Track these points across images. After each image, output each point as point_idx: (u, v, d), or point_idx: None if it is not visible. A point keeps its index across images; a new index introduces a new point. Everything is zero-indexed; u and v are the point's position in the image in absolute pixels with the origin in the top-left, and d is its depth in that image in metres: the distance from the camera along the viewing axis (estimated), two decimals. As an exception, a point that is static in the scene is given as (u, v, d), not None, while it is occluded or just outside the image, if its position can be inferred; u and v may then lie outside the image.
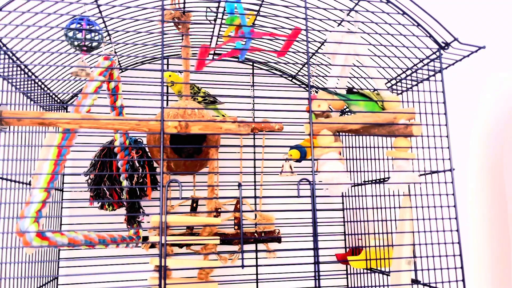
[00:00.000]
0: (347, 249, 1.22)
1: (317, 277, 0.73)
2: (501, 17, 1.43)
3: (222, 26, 1.04)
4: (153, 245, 1.09)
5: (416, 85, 0.97)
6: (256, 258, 1.18)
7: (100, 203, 1.04)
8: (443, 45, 0.87)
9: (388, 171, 0.99)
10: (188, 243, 1.06)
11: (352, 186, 1.20)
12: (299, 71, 1.26)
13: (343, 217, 1.25)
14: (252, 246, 1.18)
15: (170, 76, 1.14)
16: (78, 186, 1.11)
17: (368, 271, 1.13)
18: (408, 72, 0.97)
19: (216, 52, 1.21)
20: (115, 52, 1.11)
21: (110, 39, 1.05)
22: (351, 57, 0.89)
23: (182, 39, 1.03)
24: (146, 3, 0.93)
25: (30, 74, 0.93)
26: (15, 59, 0.85)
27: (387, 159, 0.92)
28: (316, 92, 1.30)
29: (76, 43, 0.80)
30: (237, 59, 1.26)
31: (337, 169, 0.82)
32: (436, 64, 0.90)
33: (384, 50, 0.97)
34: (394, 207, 0.94)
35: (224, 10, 0.95)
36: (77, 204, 1.08)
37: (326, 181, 0.82)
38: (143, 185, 1.01)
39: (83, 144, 1.11)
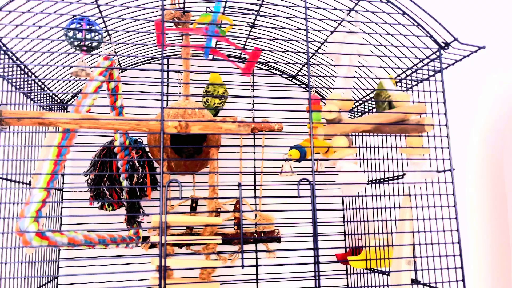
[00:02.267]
0: (347, 249, 1.22)
1: (317, 277, 0.73)
2: (501, 17, 1.43)
3: (222, 25, 1.04)
4: (153, 245, 1.09)
5: (416, 85, 0.97)
6: (256, 258, 1.18)
7: (100, 203, 1.04)
8: (443, 45, 0.87)
9: (388, 171, 0.99)
10: (188, 243, 1.06)
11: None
12: (299, 71, 1.26)
13: (343, 217, 1.25)
14: (252, 246, 1.18)
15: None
16: (78, 186, 1.11)
17: (368, 271, 1.13)
18: (408, 72, 0.97)
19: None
20: (115, 52, 1.11)
21: (110, 39, 1.05)
22: (354, 58, 0.89)
23: (182, 39, 1.03)
24: (146, 3, 0.93)
25: (30, 74, 0.93)
26: (15, 59, 0.85)
27: (387, 159, 0.92)
28: (317, 92, 1.30)
29: (76, 43, 0.80)
30: (236, 60, 1.27)
31: (355, 170, 0.82)
32: (436, 64, 0.90)
33: (384, 50, 0.97)
34: (394, 207, 0.94)
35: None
36: (77, 204, 1.08)
37: (346, 182, 0.82)
38: (143, 185, 1.01)
39: (83, 144, 1.11)
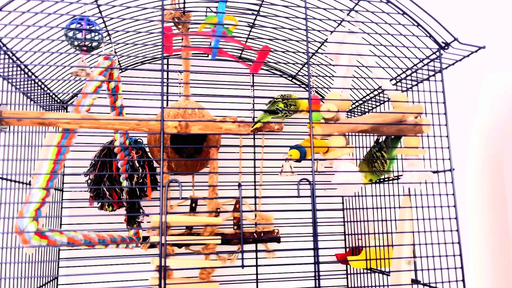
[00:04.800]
0: (347, 249, 1.22)
1: (317, 277, 0.73)
2: (501, 17, 1.43)
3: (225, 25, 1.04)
4: (152, 245, 1.08)
5: (416, 85, 0.97)
6: (256, 258, 1.18)
7: (100, 203, 1.04)
8: (443, 45, 0.87)
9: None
10: (188, 243, 1.06)
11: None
12: (299, 71, 1.26)
13: (343, 217, 1.25)
14: (251, 246, 1.18)
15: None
16: (78, 186, 1.11)
17: (368, 271, 1.13)
18: (408, 72, 0.97)
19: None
20: (115, 52, 1.11)
21: (110, 39, 1.05)
22: (354, 57, 0.89)
23: (182, 39, 1.03)
24: (146, 3, 0.93)
25: (30, 74, 0.93)
26: (15, 59, 0.85)
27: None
28: (317, 92, 1.30)
29: (76, 43, 0.80)
30: (237, 59, 1.26)
31: (352, 170, 0.82)
32: (436, 64, 0.90)
33: (384, 50, 0.96)
34: (394, 207, 0.94)
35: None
36: (77, 204, 1.08)
37: (342, 182, 0.82)
38: (143, 185, 1.01)
39: (83, 144, 1.11)
